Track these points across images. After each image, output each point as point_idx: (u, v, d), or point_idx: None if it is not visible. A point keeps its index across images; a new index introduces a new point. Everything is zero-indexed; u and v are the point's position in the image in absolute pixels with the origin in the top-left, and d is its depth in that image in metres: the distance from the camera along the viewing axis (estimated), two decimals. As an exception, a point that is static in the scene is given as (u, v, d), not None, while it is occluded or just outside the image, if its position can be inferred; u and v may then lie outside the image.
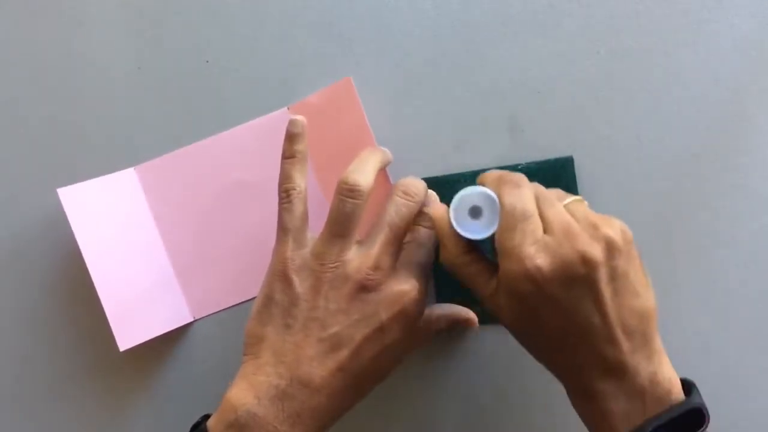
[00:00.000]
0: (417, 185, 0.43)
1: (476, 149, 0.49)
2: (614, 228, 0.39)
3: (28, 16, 0.50)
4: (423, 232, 0.44)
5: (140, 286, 0.48)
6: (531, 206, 0.39)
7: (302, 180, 0.43)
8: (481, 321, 0.48)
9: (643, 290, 0.39)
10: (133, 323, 0.47)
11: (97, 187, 0.48)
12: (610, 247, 0.38)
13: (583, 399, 0.40)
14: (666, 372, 0.39)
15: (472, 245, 0.41)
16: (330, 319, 0.40)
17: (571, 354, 0.39)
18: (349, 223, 0.41)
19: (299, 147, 0.44)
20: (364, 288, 0.40)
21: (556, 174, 0.48)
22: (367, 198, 0.41)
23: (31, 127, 0.50)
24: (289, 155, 0.44)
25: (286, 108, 0.49)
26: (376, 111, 0.49)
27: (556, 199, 0.40)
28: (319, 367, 0.39)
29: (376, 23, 0.49)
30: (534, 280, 0.37)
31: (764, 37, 0.48)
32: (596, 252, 0.37)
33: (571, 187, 0.48)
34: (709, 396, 0.48)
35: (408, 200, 0.42)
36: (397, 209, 0.42)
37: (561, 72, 0.49)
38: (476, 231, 0.40)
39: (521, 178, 0.41)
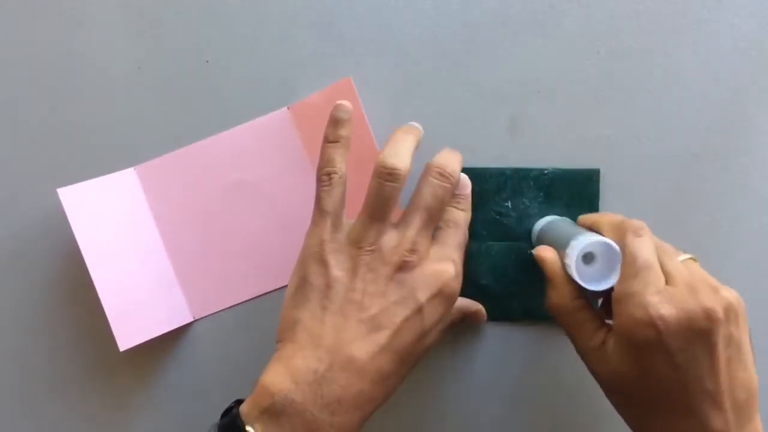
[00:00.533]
0: (453, 165, 0.42)
1: (476, 149, 0.49)
2: (732, 293, 0.38)
3: (28, 16, 0.50)
4: (458, 214, 0.43)
5: (140, 286, 0.48)
6: (654, 257, 0.38)
7: (343, 164, 0.42)
8: (490, 317, 0.48)
9: (750, 365, 0.38)
10: (133, 323, 0.47)
11: (97, 187, 0.48)
12: (729, 311, 0.37)
13: None
14: None
15: (580, 291, 0.40)
16: (368, 301, 0.39)
17: (674, 418, 0.37)
18: (386, 206, 0.40)
19: (343, 132, 0.43)
20: (401, 270, 0.39)
21: (581, 184, 0.48)
22: (404, 181, 0.41)
23: (31, 127, 0.50)
24: (333, 139, 0.43)
25: (286, 108, 0.49)
26: (376, 111, 0.49)
27: (675, 251, 0.40)
28: (360, 350, 0.38)
29: (376, 23, 0.49)
30: (656, 328, 0.36)
31: (764, 37, 0.48)
32: (719, 310, 0.36)
33: (593, 201, 0.48)
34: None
35: (444, 182, 0.41)
36: (434, 191, 0.41)
37: (561, 72, 0.49)
38: (594, 279, 0.39)
39: (643, 226, 0.40)
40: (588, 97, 0.49)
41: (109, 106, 0.50)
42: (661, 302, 0.36)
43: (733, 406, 0.37)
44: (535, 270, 0.43)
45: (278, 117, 0.49)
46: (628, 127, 0.48)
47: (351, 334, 0.38)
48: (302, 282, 0.41)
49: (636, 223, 0.40)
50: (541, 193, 0.48)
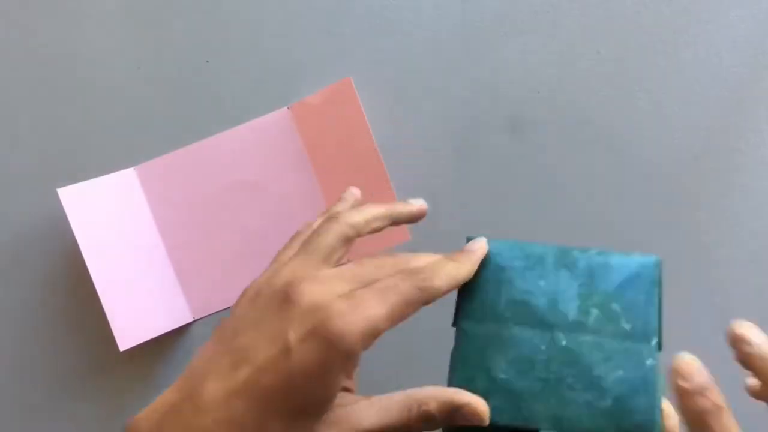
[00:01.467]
0: (355, 212, 0.37)
1: (476, 149, 0.49)
2: None
3: (28, 16, 0.50)
4: (433, 262, 0.35)
5: (140, 286, 0.48)
6: None
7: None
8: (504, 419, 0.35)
9: None
10: (133, 323, 0.47)
11: (97, 187, 0.48)
12: None
13: None
14: None
15: None
16: (242, 328, 0.34)
17: None
18: (313, 241, 0.36)
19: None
20: (285, 300, 0.33)
21: (634, 276, 0.37)
22: (347, 236, 0.36)
23: (30, 127, 0.50)
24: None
25: (286, 108, 0.49)
26: (376, 111, 0.49)
27: None
28: (215, 384, 0.32)
29: (376, 23, 0.49)
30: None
31: (764, 37, 0.48)
32: None
33: (650, 294, 0.38)
34: (709, 396, 0.48)
35: (332, 224, 0.37)
36: (337, 232, 0.36)
37: (561, 72, 0.49)
38: None
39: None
40: (588, 97, 0.49)
41: (109, 106, 0.50)
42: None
43: None
44: (571, 367, 0.35)
45: (278, 117, 0.49)
46: (628, 127, 0.48)
47: (216, 365, 0.33)
48: None
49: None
50: (584, 277, 0.37)
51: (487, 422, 0.34)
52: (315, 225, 0.39)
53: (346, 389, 0.36)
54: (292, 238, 0.40)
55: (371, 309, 0.32)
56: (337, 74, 0.49)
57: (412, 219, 0.40)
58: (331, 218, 0.37)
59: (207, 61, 0.49)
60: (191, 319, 0.50)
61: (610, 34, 0.48)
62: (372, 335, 0.32)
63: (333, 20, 0.49)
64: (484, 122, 0.49)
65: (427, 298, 0.33)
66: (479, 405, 0.34)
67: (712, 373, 0.49)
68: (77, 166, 0.50)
